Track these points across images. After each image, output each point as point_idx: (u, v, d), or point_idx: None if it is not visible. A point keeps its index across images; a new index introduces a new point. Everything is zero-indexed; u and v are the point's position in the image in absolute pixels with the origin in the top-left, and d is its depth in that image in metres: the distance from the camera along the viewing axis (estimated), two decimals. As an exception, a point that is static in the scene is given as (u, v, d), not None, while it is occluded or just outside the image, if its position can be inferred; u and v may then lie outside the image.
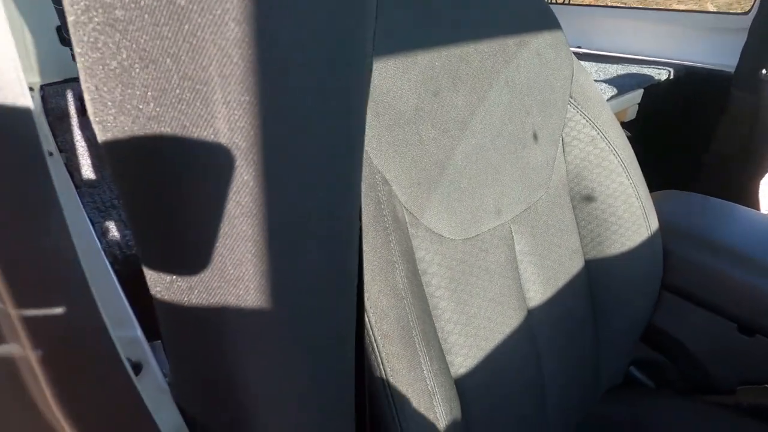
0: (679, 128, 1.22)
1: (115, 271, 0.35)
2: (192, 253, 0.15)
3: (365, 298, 0.32)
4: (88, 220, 0.43)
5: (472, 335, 0.46)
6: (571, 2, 1.82)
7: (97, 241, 0.40)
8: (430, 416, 0.34)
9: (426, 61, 0.42)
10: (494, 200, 0.49)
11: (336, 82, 0.15)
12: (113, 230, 0.45)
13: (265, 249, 0.15)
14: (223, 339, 0.19)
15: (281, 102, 0.14)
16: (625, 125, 1.21)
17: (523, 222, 0.53)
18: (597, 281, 0.61)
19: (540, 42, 0.53)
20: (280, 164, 0.14)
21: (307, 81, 0.14)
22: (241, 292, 0.16)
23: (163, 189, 0.14)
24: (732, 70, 1.07)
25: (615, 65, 1.18)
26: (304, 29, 0.13)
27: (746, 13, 1.09)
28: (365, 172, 0.36)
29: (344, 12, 0.14)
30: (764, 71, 0.99)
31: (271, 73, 0.13)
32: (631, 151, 0.61)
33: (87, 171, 0.61)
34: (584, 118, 0.58)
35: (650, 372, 0.70)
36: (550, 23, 0.56)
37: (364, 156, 0.36)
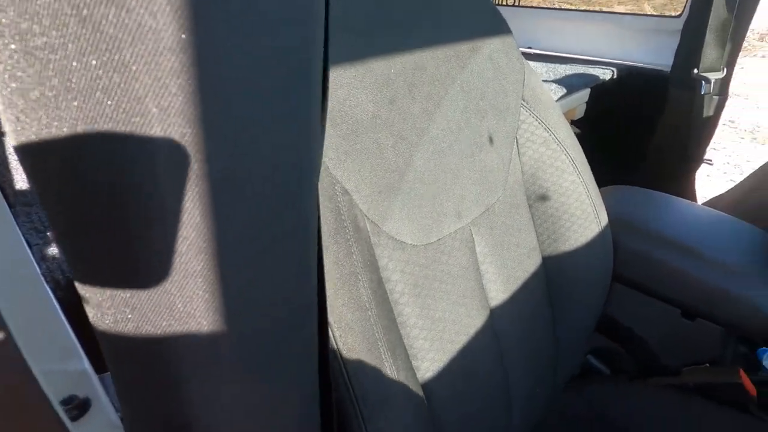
0: (624, 125, 1.29)
1: (58, 298, 0.33)
2: (138, 290, 0.14)
3: (328, 313, 0.31)
4: (23, 241, 0.40)
5: (438, 339, 0.46)
6: (519, 3, 1.88)
7: (36, 265, 0.37)
8: (393, 414, 0.34)
9: (382, 69, 0.41)
10: (454, 204, 0.50)
11: (284, 109, 0.15)
12: (54, 252, 0.42)
13: (217, 284, 0.14)
14: (174, 372, 0.18)
15: (226, 133, 0.13)
16: (574, 123, 1.26)
17: (483, 224, 0.54)
18: (554, 276, 0.64)
19: (492, 47, 0.54)
20: (228, 196, 0.14)
21: (252, 110, 0.14)
22: (192, 327, 0.15)
23: (101, 229, 0.13)
24: (669, 69, 1.14)
25: (564, 65, 1.23)
26: (248, 56, 0.13)
27: (678, 16, 1.16)
28: (324, 183, 0.35)
29: (290, 36, 0.14)
30: (695, 71, 1.07)
31: (213, 104, 0.12)
32: (581, 150, 0.63)
33: (22, 186, 0.56)
34: (536, 119, 0.60)
35: (606, 360, 0.74)
36: (501, 28, 0.57)
37: (323, 167, 0.36)
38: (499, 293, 0.56)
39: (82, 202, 0.13)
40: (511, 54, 0.58)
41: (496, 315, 0.55)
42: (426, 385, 0.45)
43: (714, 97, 1.10)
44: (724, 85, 1.10)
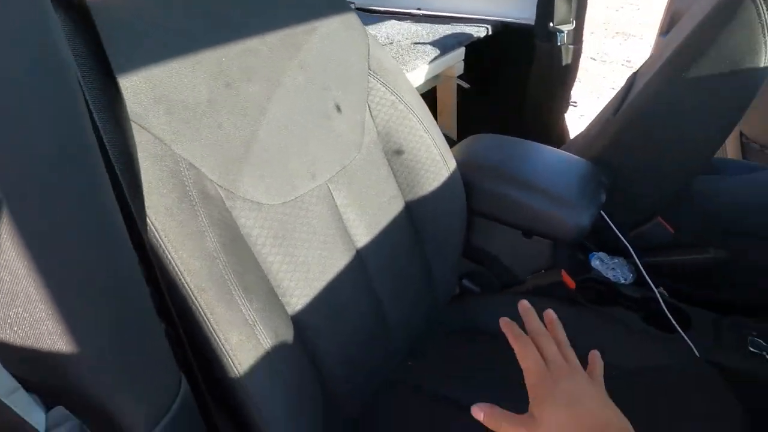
0: (502, 78, 1.43)
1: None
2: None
3: (178, 263, 0.40)
4: None
5: (303, 279, 0.57)
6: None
7: None
8: (252, 342, 0.44)
9: (214, 58, 0.48)
10: (307, 167, 0.59)
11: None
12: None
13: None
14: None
15: None
16: (461, 78, 1.38)
17: (340, 180, 0.64)
18: (418, 216, 0.75)
19: (329, 26, 0.62)
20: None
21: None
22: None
23: None
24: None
25: (444, 26, 1.32)
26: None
27: (539, -26, 1.28)
28: (167, 161, 0.43)
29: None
30: (551, 24, 1.21)
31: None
32: (427, 109, 0.74)
33: None
34: (384, 86, 0.69)
35: (476, 281, 0.89)
36: (339, 8, 0.65)
37: (165, 148, 0.43)
38: (363, 236, 0.67)
39: None
40: (353, 29, 0.66)
41: (363, 255, 0.66)
42: (298, 319, 0.56)
43: (569, 46, 1.26)
44: (576, 36, 1.25)
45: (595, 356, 0.46)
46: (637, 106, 0.86)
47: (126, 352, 0.30)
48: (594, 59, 3.40)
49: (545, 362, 0.42)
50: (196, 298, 0.41)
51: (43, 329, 0.24)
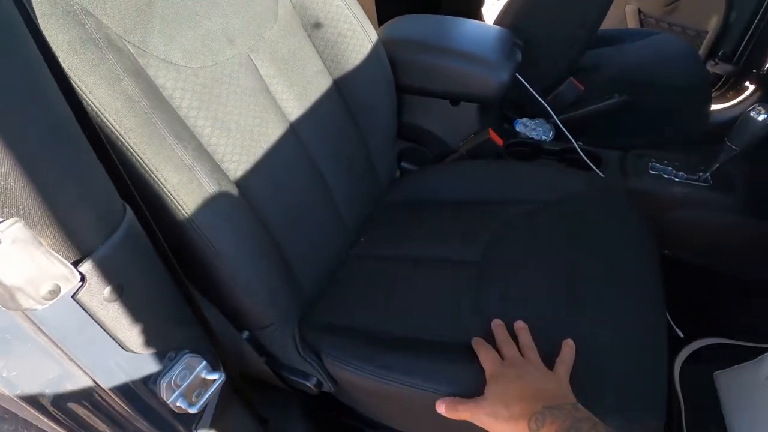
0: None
1: None
2: None
3: (95, 103, 0.38)
4: None
5: (239, 145, 0.56)
6: None
7: None
8: (195, 184, 0.44)
9: None
10: (221, 30, 0.57)
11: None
12: None
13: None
14: None
15: None
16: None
17: (261, 51, 0.62)
18: (347, 92, 0.76)
19: None
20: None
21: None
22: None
23: None
24: None
25: None
26: None
27: None
28: (61, 6, 0.40)
29: None
30: None
31: None
32: (340, -23, 0.72)
33: None
34: (290, -48, 0.66)
35: (413, 159, 0.93)
36: None
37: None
38: (294, 109, 0.66)
39: None
40: None
41: (297, 127, 0.66)
42: (242, 181, 0.56)
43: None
44: None
45: (566, 345, 0.51)
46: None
47: (72, 177, 0.31)
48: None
49: (504, 359, 0.49)
50: (123, 138, 0.40)
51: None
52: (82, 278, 0.32)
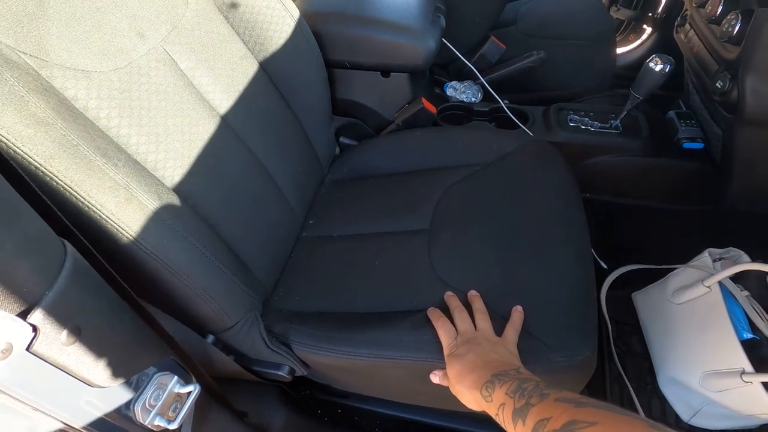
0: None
1: None
2: None
3: (3, 134, 0.34)
4: None
5: (171, 149, 0.53)
6: None
7: None
8: (134, 204, 0.42)
9: None
10: (128, 24, 0.52)
11: None
12: None
13: None
14: None
15: None
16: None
17: (177, 42, 0.58)
18: (275, 74, 0.73)
19: None
20: None
21: None
22: None
23: None
24: None
25: None
26: None
27: None
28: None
29: None
30: None
31: None
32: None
33: None
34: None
35: (351, 134, 0.93)
36: None
37: None
38: (223, 101, 0.63)
39: None
40: None
41: (228, 120, 0.63)
42: (180, 188, 0.53)
43: None
44: None
45: (515, 311, 0.57)
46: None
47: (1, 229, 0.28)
48: None
49: (458, 333, 0.53)
50: (45, 169, 0.36)
51: None
52: (34, 329, 0.31)
